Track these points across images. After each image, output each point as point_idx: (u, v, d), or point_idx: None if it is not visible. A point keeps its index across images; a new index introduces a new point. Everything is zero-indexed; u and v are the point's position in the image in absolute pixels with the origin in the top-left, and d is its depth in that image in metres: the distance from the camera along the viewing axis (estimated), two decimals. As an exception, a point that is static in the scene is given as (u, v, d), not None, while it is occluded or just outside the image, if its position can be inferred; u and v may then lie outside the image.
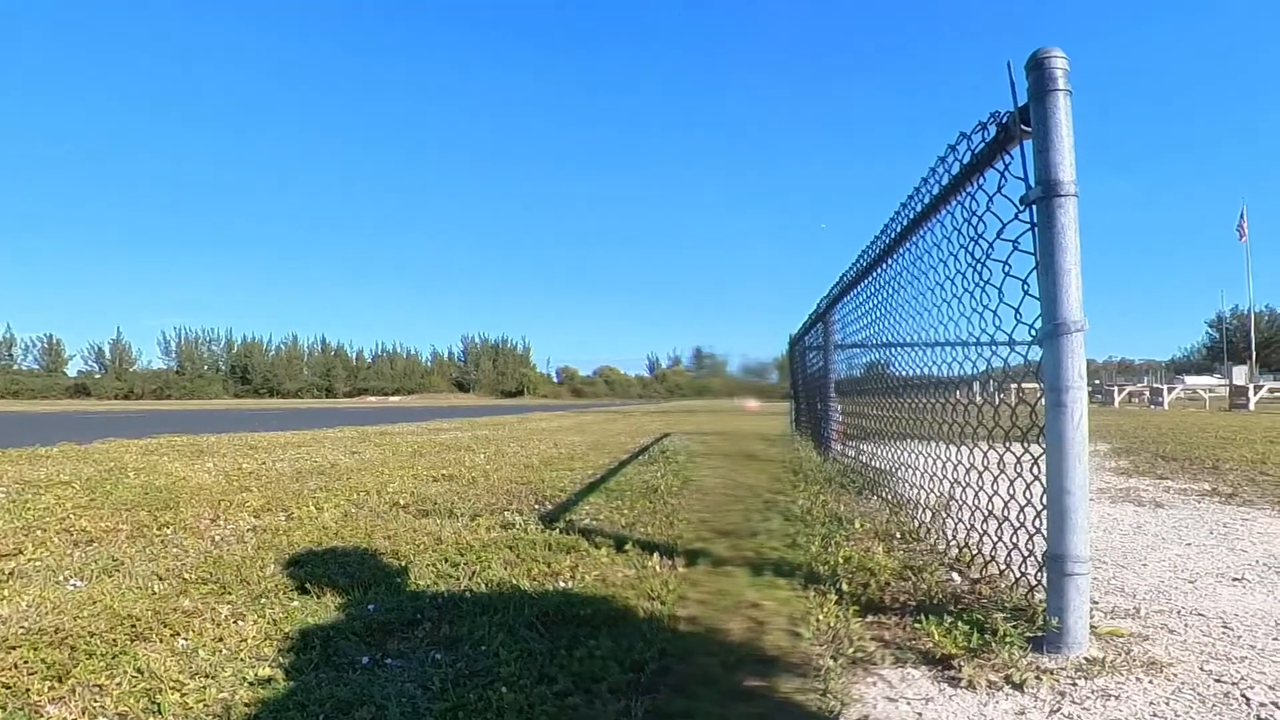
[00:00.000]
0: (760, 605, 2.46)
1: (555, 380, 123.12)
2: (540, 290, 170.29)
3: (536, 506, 4.50)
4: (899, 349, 4.03)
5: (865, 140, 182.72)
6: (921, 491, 3.55)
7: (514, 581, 2.70)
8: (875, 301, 4.69)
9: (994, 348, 2.42)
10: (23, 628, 2.16)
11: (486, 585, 2.67)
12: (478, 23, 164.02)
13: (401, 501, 4.59)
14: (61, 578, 2.75)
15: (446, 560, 3.03)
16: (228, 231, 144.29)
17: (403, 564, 2.98)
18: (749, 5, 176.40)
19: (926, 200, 3.05)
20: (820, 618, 2.26)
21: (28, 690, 1.76)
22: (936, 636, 2.01)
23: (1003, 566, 2.48)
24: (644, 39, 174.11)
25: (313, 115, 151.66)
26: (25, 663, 1.90)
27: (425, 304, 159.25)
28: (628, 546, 3.22)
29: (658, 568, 2.94)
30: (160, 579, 2.73)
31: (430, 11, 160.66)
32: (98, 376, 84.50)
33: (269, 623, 2.25)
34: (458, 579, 2.77)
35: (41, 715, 1.66)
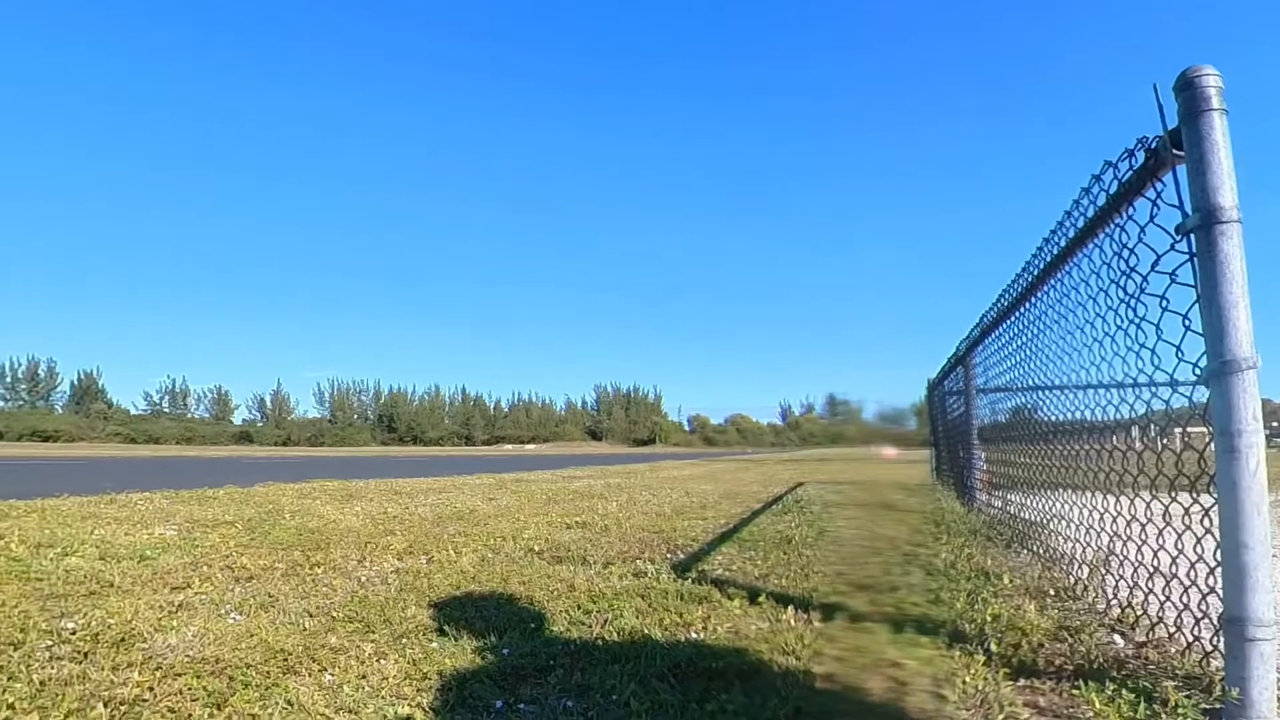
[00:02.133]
0: (901, 664, 2.34)
1: (687, 428, 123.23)
2: (672, 339, 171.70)
3: (669, 555, 4.47)
4: (1047, 392, 3.80)
5: (999, 178, 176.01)
6: (1077, 545, 3.31)
7: (645, 631, 2.69)
8: (1019, 343, 4.46)
9: (1154, 389, 2.25)
10: (188, 656, 2.31)
11: (618, 634, 2.67)
12: (614, 84, 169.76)
13: (536, 548, 4.67)
14: (223, 611, 2.93)
15: (579, 607, 3.05)
16: (375, 290, 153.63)
17: (537, 610, 3.02)
18: (877, 51, 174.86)
19: (1071, 234, 2.89)
20: (967, 680, 2.12)
21: (190, 716, 1.88)
22: (1098, 705, 1.85)
23: (1172, 629, 2.27)
24: (771, 88, 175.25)
25: (462, 177, 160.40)
26: (189, 689, 2.04)
27: (559, 354, 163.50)
28: (761, 598, 3.15)
29: (792, 621, 2.85)
30: (311, 616, 2.87)
31: (584, 77, 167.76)
32: (259, 425, 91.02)
33: (409, 662, 2.32)
34: (590, 626, 2.78)
35: (203, 743, 1.76)
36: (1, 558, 3.79)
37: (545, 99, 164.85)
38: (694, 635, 2.66)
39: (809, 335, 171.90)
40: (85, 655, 2.31)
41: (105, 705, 1.90)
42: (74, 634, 2.51)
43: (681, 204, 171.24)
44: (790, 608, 3.01)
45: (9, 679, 2.07)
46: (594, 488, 10.42)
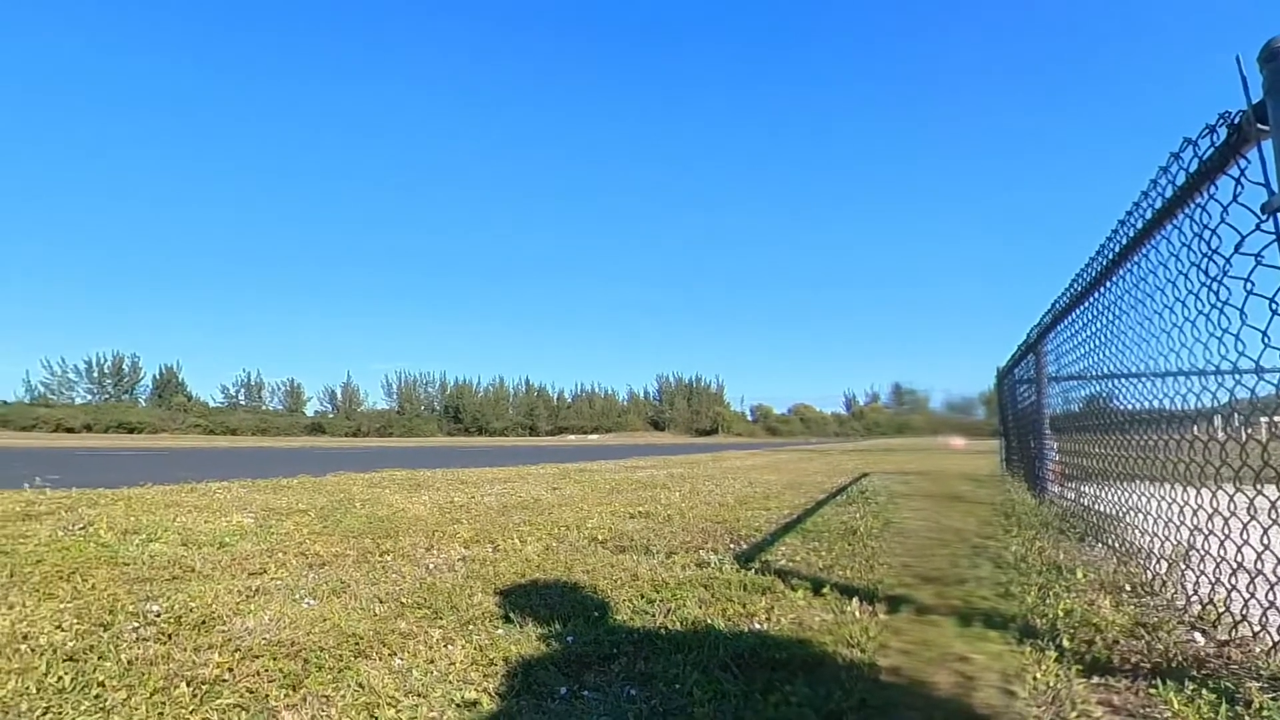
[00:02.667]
0: (969, 659, 2.29)
1: (749, 418, 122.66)
2: (735, 328, 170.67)
3: (732, 546, 4.47)
4: (1123, 380, 3.67)
5: (1073, 159, 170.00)
6: (1155, 539, 3.19)
7: (708, 621, 2.69)
8: (1093, 329, 4.31)
9: (1237, 376, 2.15)
10: (264, 639, 2.40)
11: (681, 623, 2.68)
12: (675, 73, 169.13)
13: (600, 537, 4.70)
14: (297, 596, 3.03)
15: (642, 596, 3.07)
16: (441, 284, 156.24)
17: (600, 598, 3.05)
18: (936, 34, 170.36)
19: (1148, 215, 2.78)
20: (1038, 676, 2.08)
21: (267, 696, 1.96)
22: (1176, 705, 1.79)
23: (1256, 628, 2.17)
24: (829, 76, 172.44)
25: (524, 172, 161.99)
26: (265, 671, 2.12)
27: (622, 345, 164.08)
28: (825, 590, 3.13)
29: (857, 613, 2.82)
30: (381, 602, 2.95)
31: (641, 66, 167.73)
32: (330, 416, 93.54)
33: (476, 648, 2.37)
34: (653, 615, 2.79)
35: (277, 718, 1.84)
36: (91, 544, 3.99)
37: (607, 89, 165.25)
38: (757, 626, 2.65)
39: (874, 323, 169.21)
40: (169, 637, 2.42)
41: (188, 684, 1.99)
42: (158, 616, 2.63)
43: (745, 194, 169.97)
44: (855, 599, 2.98)
45: (99, 658, 2.18)
46: (657, 478, 10.45)
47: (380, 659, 2.28)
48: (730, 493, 8.17)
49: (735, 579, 3.35)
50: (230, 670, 2.12)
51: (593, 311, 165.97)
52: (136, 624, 2.54)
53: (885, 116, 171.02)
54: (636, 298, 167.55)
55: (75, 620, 2.55)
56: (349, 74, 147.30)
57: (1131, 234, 3.06)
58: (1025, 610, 2.75)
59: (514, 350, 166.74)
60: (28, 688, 1.94)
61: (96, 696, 1.91)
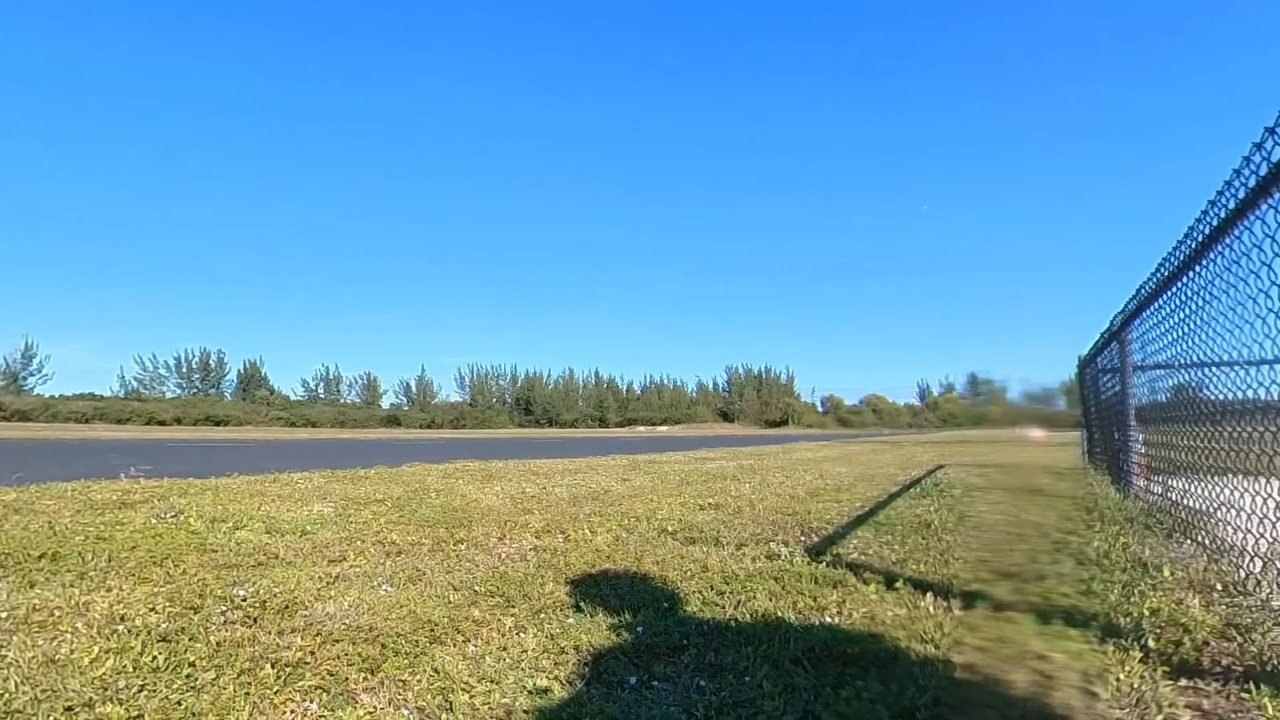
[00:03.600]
0: (1048, 657, 2.23)
1: (820, 410, 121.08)
2: (805, 318, 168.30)
3: (802, 538, 4.43)
4: (1215, 368, 3.51)
5: (1157, 141, 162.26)
6: (1249, 537, 3.05)
7: (779, 614, 2.68)
8: (1182, 316, 4.12)
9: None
10: (344, 624, 2.49)
11: (751, 615, 2.68)
12: (752, 63, 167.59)
13: (669, 528, 4.72)
14: (375, 583, 3.13)
15: (712, 588, 3.07)
16: (510, 276, 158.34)
17: (670, 589, 3.06)
18: (1014, 14, 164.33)
19: (1241, 195, 2.65)
20: (1121, 677, 2.01)
21: (346, 679, 2.04)
22: (1270, 710, 1.72)
23: (1364, 630, 2.06)
24: (904, 60, 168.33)
25: (591, 169, 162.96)
26: (345, 655, 2.20)
27: (691, 336, 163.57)
28: (898, 584, 3.08)
29: (931, 608, 2.78)
30: (455, 590, 3.02)
31: (724, 57, 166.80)
32: (405, 409, 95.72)
33: (547, 637, 2.41)
34: (723, 607, 2.79)
35: (356, 701, 1.91)
36: (182, 531, 4.18)
37: (680, 85, 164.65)
38: (829, 619, 2.63)
39: (949, 311, 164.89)
40: (254, 620, 2.52)
41: (273, 666, 2.08)
42: (245, 601, 2.75)
43: (815, 180, 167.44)
44: (929, 594, 2.93)
45: (190, 639, 2.29)
46: (726, 469, 10.42)
47: (455, 645, 2.33)
48: (801, 485, 8.10)
49: (806, 572, 3.33)
50: (312, 654, 2.20)
51: (661, 303, 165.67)
52: (224, 608, 2.65)
53: (967, 96, 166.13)
54: (705, 289, 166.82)
55: (168, 603, 2.68)
56: (433, 71, 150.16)
57: (1224, 214, 2.92)
58: (1108, 608, 2.67)
59: (583, 342, 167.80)
60: (125, 666, 2.05)
61: (188, 676, 2.01)
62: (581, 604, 2.79)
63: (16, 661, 2.06)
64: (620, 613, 2.69)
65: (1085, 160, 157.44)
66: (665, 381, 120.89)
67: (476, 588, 3.06)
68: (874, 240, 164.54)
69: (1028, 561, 3.71)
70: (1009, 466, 11.52)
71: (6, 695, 1.83)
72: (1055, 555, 3.83)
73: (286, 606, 2.69)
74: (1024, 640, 2.41)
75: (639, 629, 2.48)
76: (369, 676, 2.06)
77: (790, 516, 5.40)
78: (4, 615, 2.47)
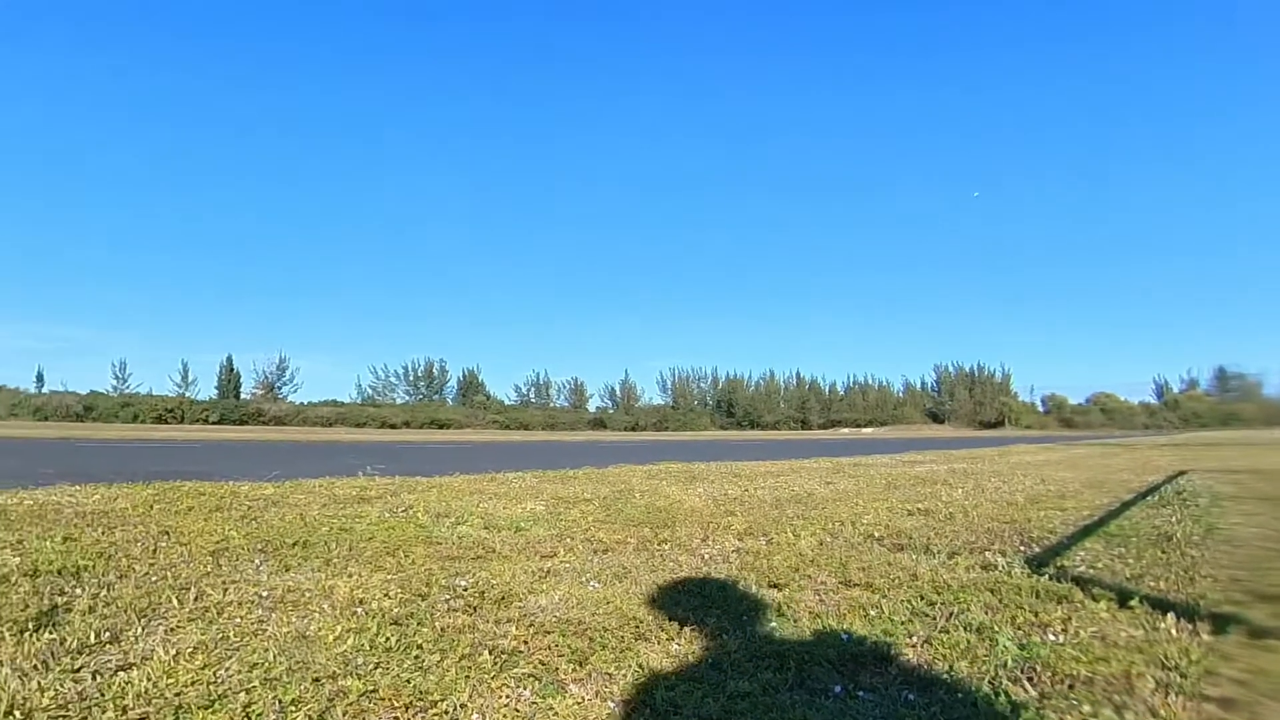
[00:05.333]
0: (1328, 693, 1.93)
1: (1041, 409, 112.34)
2: (1022, 310, 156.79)
3: (1021, 548, 4.13)
4: None
5: None
6: None
7: (995, 628, 2.51)
8: None
9: None
10: (555, 617, 2.60)
11: (965, 628, 2.52)
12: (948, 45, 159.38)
13: (875, 534, 4.56)
14: (584, 579, 3.24)
15: (922, 598, 2.94)
16: (710, 280, 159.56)
17: (877, 597, 2.95)
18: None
19: None
20: None
21: (556, 669, 2.13)
22: None
23: None
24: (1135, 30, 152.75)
25: (782, 168, 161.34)
26: (555, 646, 2.30)
27: (896, 333, 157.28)
28: (1133, 602, 2.80)
29: (1173, 631, 2.50)
30: (659, 588, 3.07)
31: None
32: (610, 412, 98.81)
33: (749, 639, 2.39)
34: (934, 618, 2.66)
35: (566, 691, 1.99)
36: (411, 524, 4.54)
37: (878, 75, 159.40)
38: (1052, 637, 2.43)
39: (1191, 297, 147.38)
40: (474, 609, 2.69)
41: (490, 653, 2.21)
42: (466, 591, 2.94)
43: (1028, 159, 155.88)
44: (1170, 615, 2.64)
45: (418, 624, 2.47)
46: (936, 473, 9.92)
47: (659, 643, 2.37)
48: (1019, 490, 7.57)
49: (1026, 584, 3.10)
50: (525, 643, 2.32)
51: (865, 299, 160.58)
52: (448, 596, 2.85)
53: (1186, 59, 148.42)
54: (910, 282, 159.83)
55: (399, 590, 2.91)
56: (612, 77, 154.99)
57: None
58: None
59: (784, 343, 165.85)
60: (363, 645, 2.25)
61: (415, 657, 2.17)
62: (784, 608, 2.75)
63: (275, 635, 2.32)
64: (825, 619, 2.62)
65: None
66: (870, 381, 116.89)
67: (680, 587, 3.09)
68: (1098, 218, 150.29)
69: (1299, 582, 3.24)
70: (1267, 473, 10.17)
71: (266, 664, 2.06)
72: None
73: (503, 597, 2.85)
74: (1297, 673, 2.10)
75: (844, 636, 2.41)
76: (578, 668, 2.14)
77: (1008, 524, 5.05)
78: (265, 595, 2.79)
